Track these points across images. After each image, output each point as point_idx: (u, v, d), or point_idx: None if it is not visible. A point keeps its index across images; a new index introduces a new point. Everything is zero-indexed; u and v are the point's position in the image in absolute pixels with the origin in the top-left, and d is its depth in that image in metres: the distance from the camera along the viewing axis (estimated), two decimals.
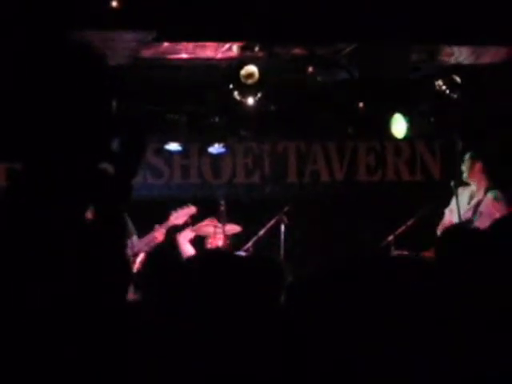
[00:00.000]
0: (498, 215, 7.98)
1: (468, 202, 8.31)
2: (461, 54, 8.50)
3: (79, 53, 3.03)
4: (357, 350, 3.21)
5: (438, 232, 8.27)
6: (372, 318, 3.28)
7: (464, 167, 8.44)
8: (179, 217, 8.66)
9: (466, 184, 8.51)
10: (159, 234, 8.41)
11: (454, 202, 8.47)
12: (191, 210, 8.75)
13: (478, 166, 8.37)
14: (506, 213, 8.04)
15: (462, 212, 8.25)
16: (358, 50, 8.16)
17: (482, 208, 8.21)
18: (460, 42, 8.04)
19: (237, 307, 3.33)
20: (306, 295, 3.43)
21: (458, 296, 3.52)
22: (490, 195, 8.28)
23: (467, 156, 8.48)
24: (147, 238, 8.37)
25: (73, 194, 2.96)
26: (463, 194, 8.42)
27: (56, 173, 2.96)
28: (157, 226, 8.45)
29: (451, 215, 8.47)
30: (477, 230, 5.36)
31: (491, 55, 8.53)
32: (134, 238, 8.28)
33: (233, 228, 8.94)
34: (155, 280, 5.61)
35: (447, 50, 8.38)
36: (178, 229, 8.75)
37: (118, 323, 2.84)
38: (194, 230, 8.81)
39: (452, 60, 8.63)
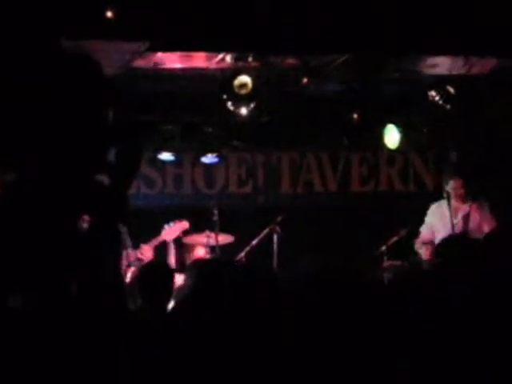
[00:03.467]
0: (491, 221, 8.11)
1: (451, 217, 8.27)
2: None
3: (76, 64, 3.03)
4: (352, 357, 3.20)
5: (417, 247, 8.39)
6: (367, 326, 3.28)
7: (449, 188, 8.36)
8: (171, 232, 8.53)
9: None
10: (145, 251, 8.26)
11: (429, 218, 8.52)
12: (184, 225, 8.64)
13: (459, 182, 8.35)
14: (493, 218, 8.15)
15: (444, 226, 8.28)
16: (352, 61, 8.18)
17: (472, 224, 8.24)
18: (453, 52, 8.05)
19: (233, 314, 3.33)
20: (300, 302, 3.43)
21: (458, 304, 3.52)
22: (476, 206, 8.32)
23: (452, 182, 8.40)
24: (134, 254, 8.22)
25: (68, 205, 2.96)
26: (440, 210, 8.44)
27: (51, 183, 2.95)
28: (142, 245, 8.31)
29: (434, 230, 8.47)
30: (478, 239, 5.38)
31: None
32: (129, 250, 8.20)
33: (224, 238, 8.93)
34: (150, 289, 5.60)
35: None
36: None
37: (112, 332, 2.83)
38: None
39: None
